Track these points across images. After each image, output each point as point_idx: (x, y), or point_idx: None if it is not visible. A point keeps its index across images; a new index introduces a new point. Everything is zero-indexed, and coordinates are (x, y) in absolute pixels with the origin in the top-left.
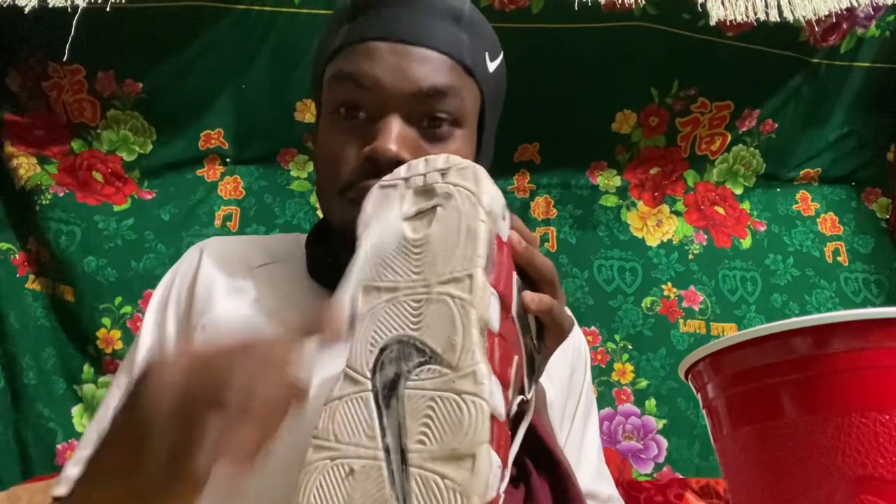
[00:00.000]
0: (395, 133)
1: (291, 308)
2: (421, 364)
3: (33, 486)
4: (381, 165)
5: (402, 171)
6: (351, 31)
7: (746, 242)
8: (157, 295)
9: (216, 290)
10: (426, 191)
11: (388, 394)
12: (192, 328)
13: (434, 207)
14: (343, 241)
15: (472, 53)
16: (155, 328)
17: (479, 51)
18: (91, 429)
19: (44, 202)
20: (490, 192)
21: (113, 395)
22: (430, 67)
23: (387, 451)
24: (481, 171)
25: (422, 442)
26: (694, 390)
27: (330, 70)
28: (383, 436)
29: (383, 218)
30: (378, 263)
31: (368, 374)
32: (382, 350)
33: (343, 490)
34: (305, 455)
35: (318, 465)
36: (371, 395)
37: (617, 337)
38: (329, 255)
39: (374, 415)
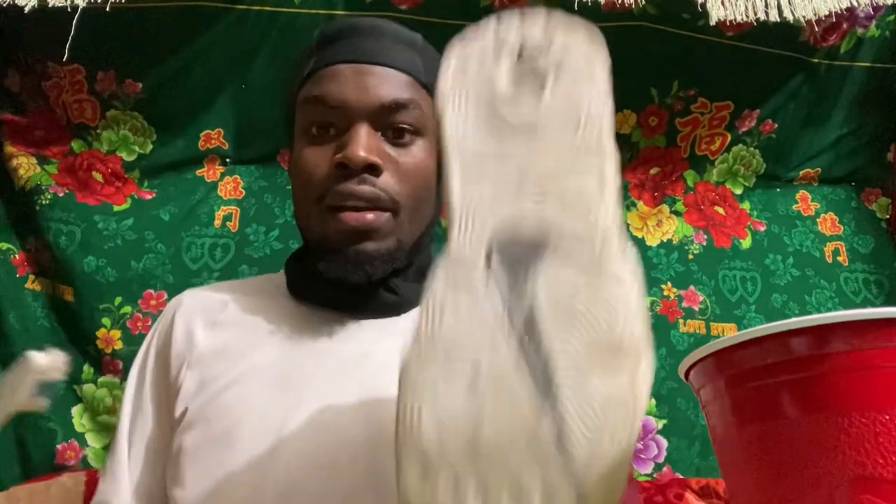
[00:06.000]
0: (363, 140)
1: (270, 329)
2: (551, 254)
3: (33, 486)
4: (352, 171)
5: (488, 37)
6: (318, 60)
7: (746, 242)
8: (138, 358)
9: (195, 330)
10: (525, 63)
11: (513, 285)
12: (174, 376)
13: (540, 84)
14: (321, 255)
15: (427, 73)
16: (135, 393)
17: (433, 72)
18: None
19: (44, 202)
20: (606, 62)
21: (108, 479)
22: (390, 83)
23: (523, 349)
24: (594, 36)
25: (567, 341)
26: (694, 390)
27: (300, 96)
28: (513, 333)
29: (469, 92)
30: (474, 147)
31: (481, 262)
32: (497, 236)
33: (467, 402)
34: (401, 369)
35: (429, 364)
36: (493, 282)
37: None
38: (307, 270)
39: (499, 307)
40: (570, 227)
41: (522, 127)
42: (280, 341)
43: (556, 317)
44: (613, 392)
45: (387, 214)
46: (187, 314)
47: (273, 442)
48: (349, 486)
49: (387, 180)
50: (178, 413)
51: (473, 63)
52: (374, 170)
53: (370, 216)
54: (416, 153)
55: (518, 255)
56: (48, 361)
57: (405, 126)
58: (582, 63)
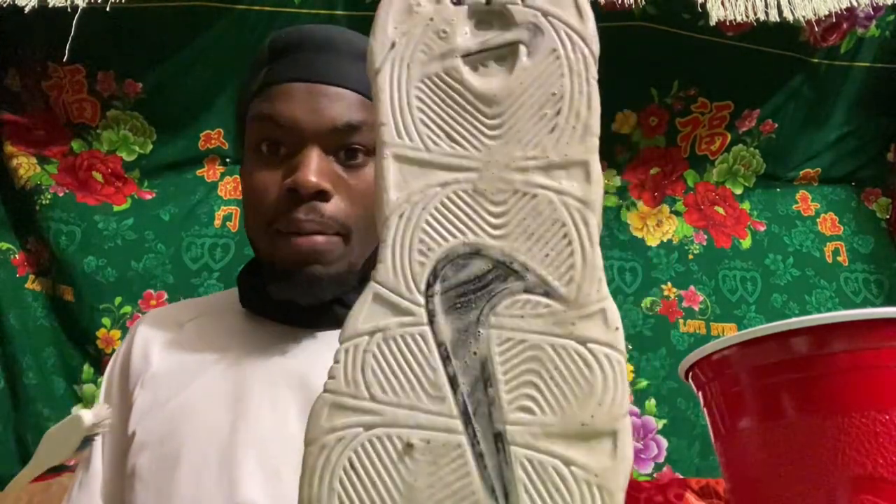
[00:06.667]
0: (314, 165)
1: (221, 348)
2: (511, 291)
3: (33, 486)
4: (302, 197)
5: None
6: (269, 74)
7: (746, 242)
8: (105, 375)
9: (152, 352)
10: (495, 15)
11: (460, 332)
12: (131, 394)
13: (513, 45)
14: (271, 276)
15: None
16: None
17: None
18: None
19: (44, 202)
20: (596, 32)
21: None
22: (343, 105)
23: (466, 418)
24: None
25: (527, 410)
26: (694, 390)
27: (251, 111)
28: (456, 396)
29: (418, 42)
30: (418, 121)
31: (420, 299)
32: (441, 263)
33: (397, 476)
34: (308, 422)
35: (345, 435)
36: (428, 332)
37: None
38: (259, 286)
39: (439, 363)
40: (541, 250)
41: (487, 97)
42: (230, 360)
43: (515, 376)
44: (585, 478)
45: (337, 239)
46: (146, 334)
47: (219, 461)
48: (294, 500)
49: (337, 205)
50: (129, 432)
51: (425, 2)
52: (323, 195)
53: (320, 239)
54: (369, 174)
55: (470, 286)
56: (96, 418)
57: (358, 147)
58: (572, 16)
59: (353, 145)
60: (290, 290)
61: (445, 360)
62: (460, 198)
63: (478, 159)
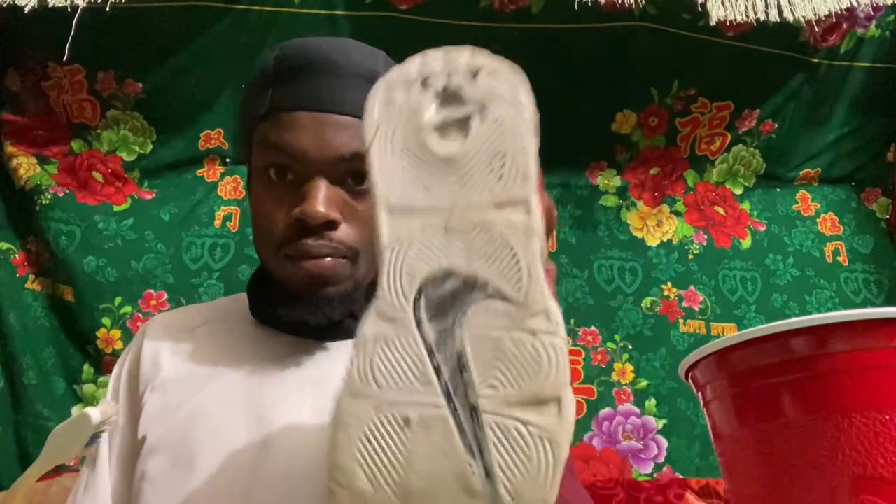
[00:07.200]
0: (321, 195)
1: (234, 355)
2: (476, 300)
3: (33, 486)
4: (311, 226)
5: (413, 67)
6: (275, 98)
7: (746, 242)
8: (111, 379)
9: (162, 357)
10: (451, 96)
11: (440, 333)
12: (140, 398)
13: (466, 118)
14: (281, 298)
15: None
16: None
17: None
18: None
19: (44, 202)
20: (531, 100)
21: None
22: (350, 133)
23: (448, 397)
24: (518, 75)
25: (493, 387)
26: (694, 390)
27: (257, 135)
28: (440, 380)
29: (397, 123)
30: (401, 180)
31: (410, 310)
32: (424, 283)
33: (400, 443)
34: (333, 408)
35: (360, 415)
36: (417, 335)
37: (617, 337)
38: (268, 295)
39: (426, 357)
40: (497, 268)
41: (450, 158)
42: (244, 367)
43: (482, 362)
44: (538, 434)
45: (344, 261)
46: (155, 339)
47: (234, 468)
48: None
49: (346, 231)
50: (138, 437)
51: (400, 93)
52: (332, 224)
53: (328, 262)
54: None
55: (446, 299)
56: (103, 415)
57: (365, 172)
58: (508, 91)
59: (359, 171)
60: (301, 312)
61: (431, 354)
62: (435, 234)
63: (445, 204)
